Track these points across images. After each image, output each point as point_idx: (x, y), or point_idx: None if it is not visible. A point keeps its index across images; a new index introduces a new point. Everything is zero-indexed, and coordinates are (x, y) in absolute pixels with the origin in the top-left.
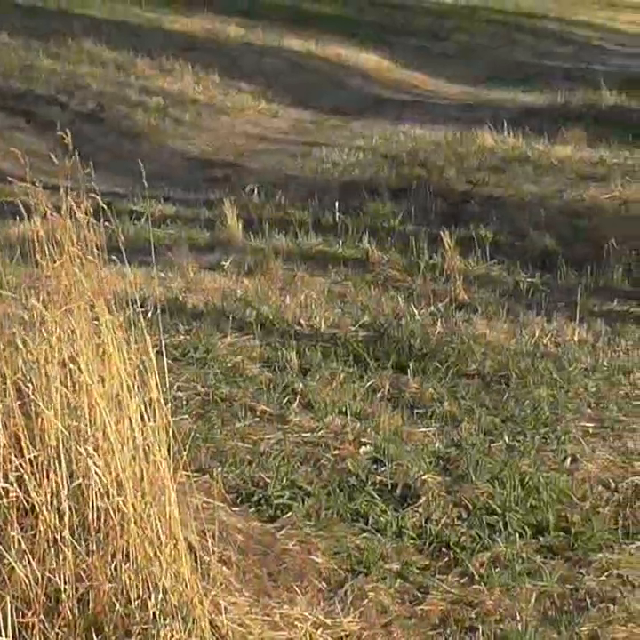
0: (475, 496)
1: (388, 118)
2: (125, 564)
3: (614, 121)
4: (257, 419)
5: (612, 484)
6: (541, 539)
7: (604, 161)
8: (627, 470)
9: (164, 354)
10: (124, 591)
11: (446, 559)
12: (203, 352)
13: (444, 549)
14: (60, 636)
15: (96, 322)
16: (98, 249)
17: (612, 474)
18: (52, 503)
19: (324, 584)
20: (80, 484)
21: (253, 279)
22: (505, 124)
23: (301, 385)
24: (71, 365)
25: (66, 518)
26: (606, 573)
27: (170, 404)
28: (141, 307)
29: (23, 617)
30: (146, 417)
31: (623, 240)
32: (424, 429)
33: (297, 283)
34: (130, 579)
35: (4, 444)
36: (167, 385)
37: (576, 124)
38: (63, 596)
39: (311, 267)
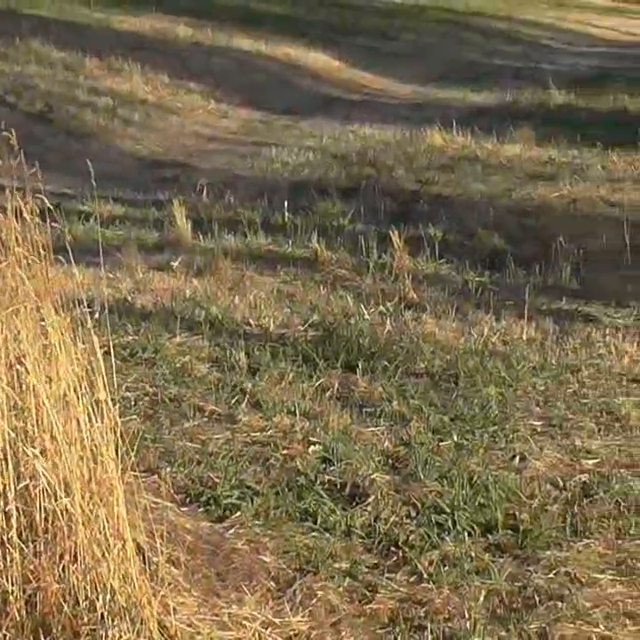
0: (423, 495)
1: (338, 118)
2: (73, 565)
3: (563, 120)
4: (205, 419)
5: (561, 483)
6: (490, 537)
7: (552, 160)
8: (574, 468)
9: (112, 354)
10: (72, 592)
11: (395, 558)
12: (151, 352)
13: (392, 548)
14: (7, 638)
15: (43, 322)
16: (44, 249)
17: (561, 472)
18: None
19: (272, 583)
20: (27, 486)
21: (202, 279)
22: (454, 124)
23: (250, 385)
24: (18, 366)
25: (13, 520)
26: (554, 571)
27: (118, 405)
28: (89, 307)
29: None
30: (93, 418)
31: (571, 239)
32: (373, 428)
33: (246, 283)
34: (78, 580)
35: None
36: (115, 385)
37: (525, 123)
38: (11, 597)
39: (260, 266)
